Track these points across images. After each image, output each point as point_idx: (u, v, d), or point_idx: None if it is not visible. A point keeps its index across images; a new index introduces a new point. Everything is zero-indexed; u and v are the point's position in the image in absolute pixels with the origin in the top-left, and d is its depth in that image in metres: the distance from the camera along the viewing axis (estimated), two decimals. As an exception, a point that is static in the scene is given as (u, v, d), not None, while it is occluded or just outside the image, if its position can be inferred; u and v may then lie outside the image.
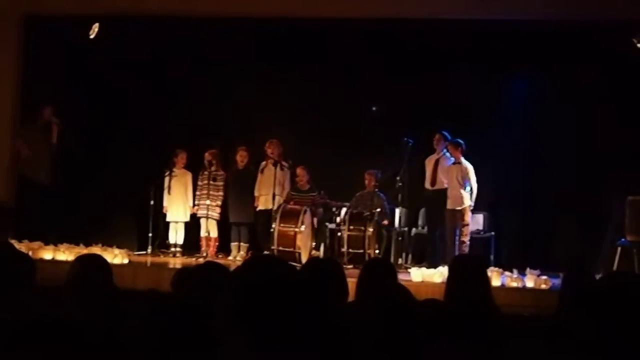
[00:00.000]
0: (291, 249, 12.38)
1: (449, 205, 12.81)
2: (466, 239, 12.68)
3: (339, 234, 12.90)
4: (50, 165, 13.43)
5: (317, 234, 13.18)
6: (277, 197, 12.92)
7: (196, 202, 13.58)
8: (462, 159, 12.77)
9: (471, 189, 12.75)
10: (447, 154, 13.02)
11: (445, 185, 12.93)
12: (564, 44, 13.01)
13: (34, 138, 13.39)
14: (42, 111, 13.42)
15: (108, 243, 12.34)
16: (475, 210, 13.14)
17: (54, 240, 12.25)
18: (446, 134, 13.01)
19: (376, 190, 13.16)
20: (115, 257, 11.60)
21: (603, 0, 12.42)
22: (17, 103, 13.79)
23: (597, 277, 5.14)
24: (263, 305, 2.64)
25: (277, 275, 2.72)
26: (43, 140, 13.36)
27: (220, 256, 13.49)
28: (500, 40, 13.18)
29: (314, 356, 2.88)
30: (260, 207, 13.33)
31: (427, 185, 13.19)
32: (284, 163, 13.22)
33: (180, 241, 13.71)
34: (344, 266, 11.60)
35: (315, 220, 13.01)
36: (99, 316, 3.87)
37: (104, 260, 4.85)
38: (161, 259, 13.11)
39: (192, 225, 13.73)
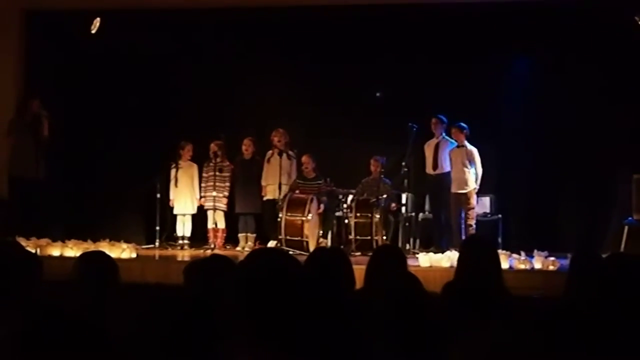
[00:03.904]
0: (299, 238, 12.41)
1: (454, 189, 12.84)
2: (472, 222, 12.72)
3: (346, 221, 12.88)
4: (42, 158, 13.08)
5: (324, 222, 13.19)
6: (283, 187, 12.94)
7: (202, 194, 13.59)
8: (466, 143, 12.79)
9: (476, 172, 12.78)
10: (447, 137, 13.05)
11: (447, 169, 12.96)
12: (566, 22, 12.99)
13: (23, 132, 13.12)
14: (30, 104, 13.15)
15: (116, 237, 12.33)
16: (481, 193, 13.17)
17: (61, 236, 12.24)
18: (442, 117, 13.05)
19: (382, 176, 13.15)
20: (123, 251, 11.61)
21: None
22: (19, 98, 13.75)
23: (604, 256, 5.14)
24: (265, 299, 2.64)
25: (279, 269, 2.72)
26: (32, 134, 13.03)
27: (228, 247, 13.51)
28: (500, 20, 13.18)
29: (318, 349, 2.88)
30: (267, 197, 13.34)
31: (429, 169, 13.21)
32: (290, 152, 13.22)
33: (188, 233, 13.71)
34: (352, 253, 11.76)
35: (322, 207, 13.01)
36: (104, 313, 3.88)
37: (109, 257, 4.86)
38: (169, 252, 13.11)
39: (199, 218, 13.74)
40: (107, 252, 6.06)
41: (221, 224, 13.56)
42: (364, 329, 3.43)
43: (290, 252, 11.02)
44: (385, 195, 12.85)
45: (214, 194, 13.27)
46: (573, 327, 3.29)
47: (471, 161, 12.78)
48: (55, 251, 11.62)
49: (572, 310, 3.53)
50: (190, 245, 13.55)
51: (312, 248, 11.92)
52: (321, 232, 13.06)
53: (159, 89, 14.34)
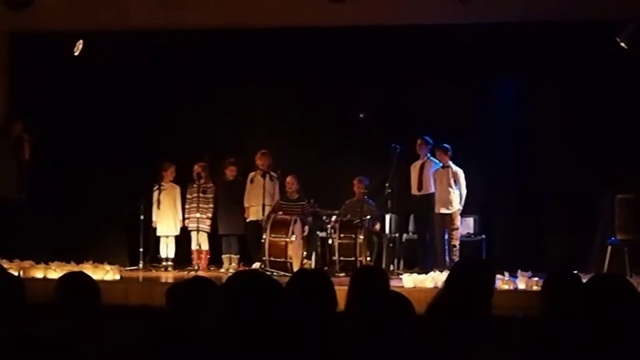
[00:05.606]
0: (282, 259, 12.39)
1: (438, 209, 12.85)
2: (456, 242, 12.73)
3: (330, 242, 12.87)
4: (23, 181, 12.95)
5: (308, 242, 13.17)
6: (266, 208, 12.91)
7: (186, 216, 13.56)
8: (451, 163, 12.81)
9: (461, 192, 12.81)
10: (432, 159, 13.06)
11: (431, 190, 12.97)
12: (550, 45, 13.05)
13: (4, 154, 12.97)
14: (12, 127, 13.03)
15: (99, 259, 12.28)
16: (465, 213, 13.19)
17: (44, 258, 12.17)
18: (428, 138, 13.06)
19: (365, 197, 13.15)
20: (107, 273, 11.57)
21: (586, 0, 12.45)
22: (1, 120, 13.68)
23: (588, 276, 5.13)
24: (246, 319, 2.64)
25: (259, 292, 2.72)
26: (13, 157, 12.91)
27: (212, 268, 13.48)
28: (485, 43, 13.22)
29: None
30: (250, 218, 13.33)
31: (414, 190, 13.21)
32: (272, 174, 13.21)
33: (172, 255, 13.66)
34: (336, 274, 11.77)
35: (306, 228, 13.01)
36: (85, 334, 3.86)
37: (89, 279, 4.83)
38: (153, 273, 13.05)
39: (183, 239, 13.71)
40: (91, 274, 6.04)
41: (205, 246, 13.51)
42: (345, 350, 3.42)
43: (274, 274, 11.07)
44: (369, 216, 12.86)
45: (198, 215, 13.25)
46: (554, 346, 3.30)
47: (456, 182, 12.80)
48: (38, 273, 11.57)
49: (552, 330, 3.54)
50: (174, 267, 13.50)
51: (296, 269, 11.89)
52: (305, 253, 13.05)
53: (142, 111, 14.34)
